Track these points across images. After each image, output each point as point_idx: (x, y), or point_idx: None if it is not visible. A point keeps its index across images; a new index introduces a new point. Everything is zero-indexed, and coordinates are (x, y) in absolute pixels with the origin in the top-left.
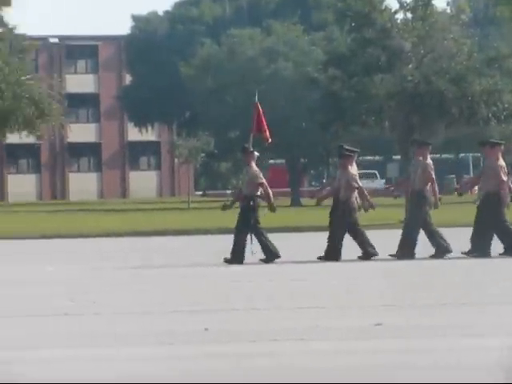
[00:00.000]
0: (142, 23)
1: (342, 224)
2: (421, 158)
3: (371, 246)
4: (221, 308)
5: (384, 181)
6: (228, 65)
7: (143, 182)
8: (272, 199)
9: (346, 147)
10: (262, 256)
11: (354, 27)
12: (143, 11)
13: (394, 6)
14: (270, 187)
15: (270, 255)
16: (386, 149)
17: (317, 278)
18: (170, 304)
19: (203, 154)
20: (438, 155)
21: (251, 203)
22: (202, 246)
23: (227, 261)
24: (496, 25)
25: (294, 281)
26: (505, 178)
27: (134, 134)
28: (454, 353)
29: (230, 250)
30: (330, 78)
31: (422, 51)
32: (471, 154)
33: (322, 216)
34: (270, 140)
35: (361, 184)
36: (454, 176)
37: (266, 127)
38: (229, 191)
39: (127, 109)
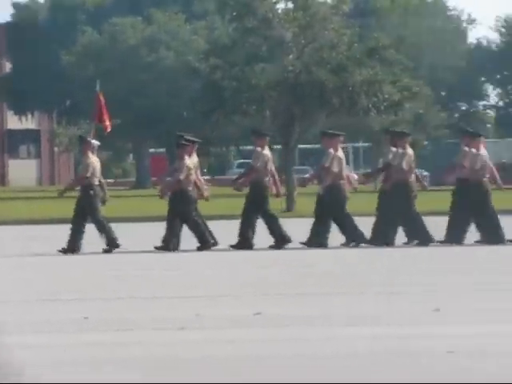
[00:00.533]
0: (22, 11)
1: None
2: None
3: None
4: (102, 297)
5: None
6: (109, 53)
7: (23, 170)
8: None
9: (186, 137)
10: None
11: (235, 17)
12: None
13: None
14: (153, 176)
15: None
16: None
17: (193, 267)
18: (50, 292)
19: None
20: (318, 145)
21: (90, 192)
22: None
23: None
24: (376, 15)
25: (167, 271)
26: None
27: (13, 122)
28: (328, 342)
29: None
30: (211, 67)
31: (303, 41)
32: (351, 144)
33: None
34: (109, 129)
35: (198, 176)
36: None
37: (106, 117)
38: (110, 180)
39: (6, 97)
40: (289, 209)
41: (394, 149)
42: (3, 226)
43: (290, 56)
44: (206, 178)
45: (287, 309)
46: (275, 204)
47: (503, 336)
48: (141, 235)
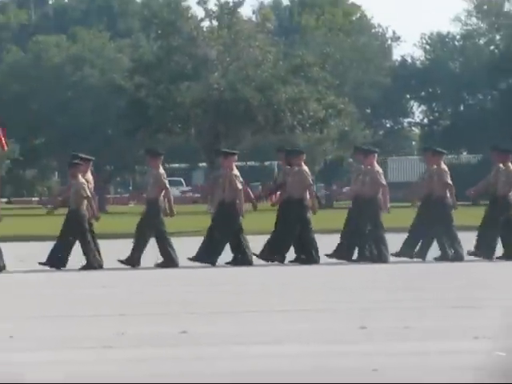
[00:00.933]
0: None
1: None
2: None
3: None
4: (28, 316)
5: (189, 188)
6: (34, 71)
7: None
8: None
9: (81, 155)
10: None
11: (161, 35)
12: None
13: (200, 13)
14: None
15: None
16: (192, 156)
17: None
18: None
19: (8, 161)
20: (243, 163)
21: None
22: (7, 251)
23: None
24: (301, 33)
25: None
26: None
27: None
28: (247, 360)
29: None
30: (135, 85)
31: (228, 59)
32: (276, 162)
33: (127, 224)
34: (5, 149)
35: (89, 193)
36: (259, 183)
37: (1, 137)
38: (35, 198)
39: None
40: None
41: (288, 167)
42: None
43: (215, 74)
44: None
45: (214, 327)
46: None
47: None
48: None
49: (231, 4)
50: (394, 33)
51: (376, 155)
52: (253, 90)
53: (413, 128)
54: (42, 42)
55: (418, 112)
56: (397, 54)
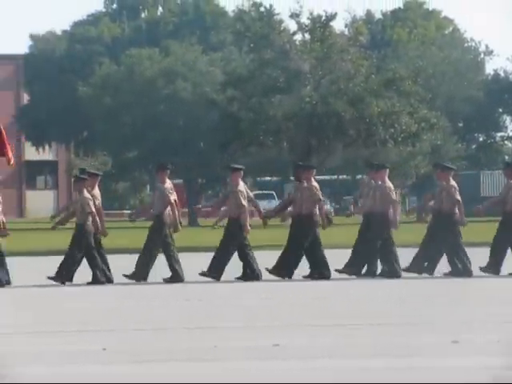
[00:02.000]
0: (40, 42)
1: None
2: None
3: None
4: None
5: (281, 201)
6: (126, 85)
7: (40, 201)
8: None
9: (89, 171)
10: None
11: (253, 48)
12: (41, 30)
13: (293, 27)
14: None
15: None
16: (283, 169)
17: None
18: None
19: (101, 174)
20: (335, 176)
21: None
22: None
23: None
24: (393, 47)
25: (188, 300)
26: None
27: (31, 153)
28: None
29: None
30: (228, 98)
31: (321, 72)
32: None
33: (218, 236)
34: (12, 162)
35: (93, 209)
36: (351, 197)
37: (8, 149)
38: (127, 211)
39: (24, 128)
40: None
41: (298, 183)
42: (20, 258)
43: (308, 87)
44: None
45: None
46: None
47: None
48: (158, 265)
49: (324, 18)
50: (486, 47)
51: (387, 170)
52: (345, 104)
53: (505, 142)
54: (135, 55)
55: (510, 126)
56: (489, 67)
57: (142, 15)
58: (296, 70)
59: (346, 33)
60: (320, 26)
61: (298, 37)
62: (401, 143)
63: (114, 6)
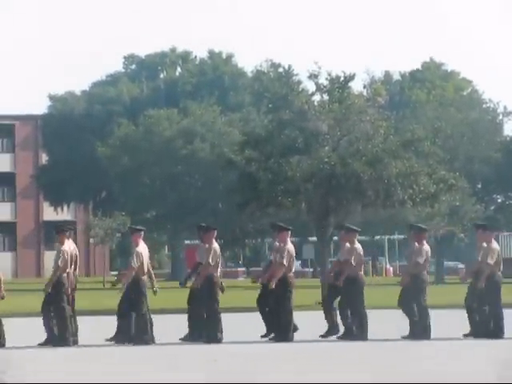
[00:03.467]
0: (58, 102)
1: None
2: (280, 244)
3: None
4: None
5: (299, 262)
6: (145, 145)
7: None
8: None
9: (69, 226)
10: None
11: (271, 108)
12: (60, 91)
13: (311, 87)
14: (189, 267)
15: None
16: (302, 230)
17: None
18: None
19: (119, 234)
20: None
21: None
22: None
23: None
24: (411, 108)
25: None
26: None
27: (49, 213)
28: None
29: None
30: (246, 159)
31: (339, 133)
32: (387, 237)
33: (235, 297)
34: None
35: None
36: (369, 258)
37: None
38: None
39: (43, 188)
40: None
41: (276, 244)
42: (35, 318)
43: (326, 148)
44: (241, 269)
45: None
46: (311, 296)
47: None
48: (175, 327)
49: (342, 78)
50: (505, 108)
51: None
52: (363, 165)
53: None
54: (153, 115)
55: None
56: (508, 128)
57: (161, 75)
58: (314, 130)
59: (365, 93)
60: (338, 86)
61: (317, 97)
62: (419, 204)
63: (133, 66)
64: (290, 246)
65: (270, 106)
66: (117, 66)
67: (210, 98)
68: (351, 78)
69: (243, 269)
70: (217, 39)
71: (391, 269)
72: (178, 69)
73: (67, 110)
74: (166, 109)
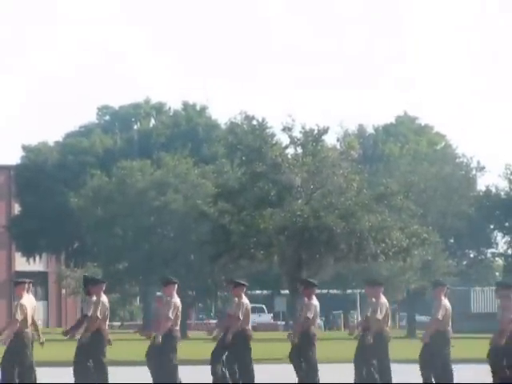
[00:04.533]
0: (31, 153)
1: None
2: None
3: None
4: None
5: (271, 315)
6: (117, 196)
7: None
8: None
9: (21, 279)
10: None
11: (245, 161)
12: (33, 141)
13: (285, 140)
14: (155, 320)
15: None
16: (274, 283)
17: None
18: None
19: None
20: (325, 290)
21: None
22: None
23: None
24: (385, 161)
25: None
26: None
27: (21, 263)
28: None
29: None
30: (219, 211)
31: (312, 186)
32: (359, 290)
33: (208, 350)
34: None
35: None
36: (341, 311)
37: None
38: (115, 323)
39: (15, 238)
40: None
41: (235, 299)
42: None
43: (299, 201)
44: (213, 321)
45: None
46: (283, 348)
47: None
48: (144, 380)
49: (316, 132)
50: (478, 163)
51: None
52: (336, 218)
53: (496, 258)
54: (126, 167)
55: (502, 242)
56: (481, 183)
57: (135, 127)
58: (288, 183)
59: (338, 147)
60: (312, 139)
61: (290, 150)
62: (392, 258)
63: (107, 117)
64: (245, 300)
65: (244, 158)
66: (90, 117)
67: (184, 149)
68: (325, 131)
69: (215, 321)
70: (191, 90)
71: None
72: (152, 120)
73: (40, 160)
74: (140, 160)
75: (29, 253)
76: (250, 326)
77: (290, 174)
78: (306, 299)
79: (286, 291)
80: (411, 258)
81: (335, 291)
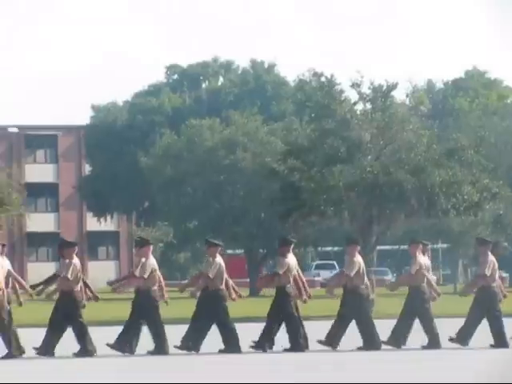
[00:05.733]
0: (101, 113)
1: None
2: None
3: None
4: None
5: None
6: (187, 155)
7: (102, 271)
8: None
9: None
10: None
11: (314, 118)
12: (103, 101)
13: (354, 97)
14: (231, 277)
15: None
16: (344, 239)
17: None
18: None
19: (162, 244)
20: (397, 246)
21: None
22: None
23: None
24: (454, 116)
25: None
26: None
27: (92, 223)
28: None
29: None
30: (289, 168)
31: (382, 142)
32: (430, 246)
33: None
34: None
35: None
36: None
37: None
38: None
39: (86, 199)
40: None
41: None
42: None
43: (369, 157)
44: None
45: None
46: None
47: None
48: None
49: (385, 87)
50: None
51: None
52: (406, 174)
53: None
54: (196, 125)
55: None
56: None
57: (203, 85)
58: (357, 139)
59: (407, 102)
60: (381, 95)
61: (359, 106)
62: (463, 213)
63: (175, 76)
64: (219, 260)
65: (313, 115)
66: (159, 76)
67: (253, 107)
68: (394, 86)
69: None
70: (259, 48)
71: (435, 278)
72: (220, 78)
73: (110, 120)
74: (208, 118)
75: (100, 213)
76: (223, 286)
77: (359, 130)
78: (280, 257)
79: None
80: (482, 212)
81: (405, 247)
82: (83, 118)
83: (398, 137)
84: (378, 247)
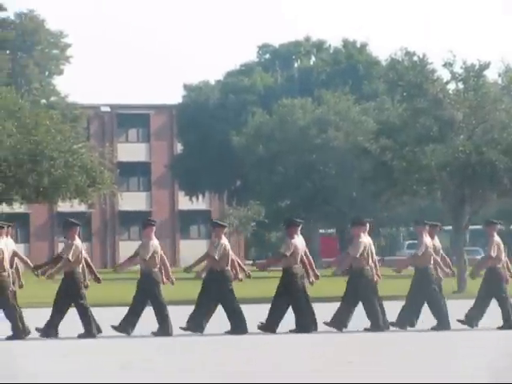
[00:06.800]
0: (193, 92)
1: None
2: (216, 240)
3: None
4: None
5: None
6: (279, 134)
7: (194, 250)
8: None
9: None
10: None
11: (406, 97)
12: (195, 80)
13: (446, 76)
14: (323, 257)
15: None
16: (437, 218)
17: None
18: None
19: (254, 223)
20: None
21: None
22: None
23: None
24: None
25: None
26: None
27: (184, 202)
28: None
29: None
30: (381, 147)
31: (474, 122)
32: None
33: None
34: None
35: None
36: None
37: None
38: None
39: (178, 177)
40: (460, 289)
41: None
42: (173, 306)
43: (461, 136)
44: (378, 258)
45: None
46: (446, 285)
47: None
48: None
49: (477, 67)
50: None
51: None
52: (499, 153)
53: None
54: (288, 104)
55: None
56: None
57: (295, 65)
58: (449, 119)
59: (500, 82)
60: (474, 75)
61: (452, 86)
62: None
63: (267, 55)
64: (224, 241)
65: (405, 94)
66: (251, 55)
67: (344, 86)
68: (486, 66)
69: (378, 257)
70: (351, 28)
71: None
72: (312, 58)
73: (202, 99)
74: (300, 98)
75: (192, 192)
76: (229, 267)
77: (451, 109)
78: (287, 238)
79: (449, 227)
80: None
81: (498, 227)
82: (175, 97)
83: (490, 116)
84: (471, 227)
